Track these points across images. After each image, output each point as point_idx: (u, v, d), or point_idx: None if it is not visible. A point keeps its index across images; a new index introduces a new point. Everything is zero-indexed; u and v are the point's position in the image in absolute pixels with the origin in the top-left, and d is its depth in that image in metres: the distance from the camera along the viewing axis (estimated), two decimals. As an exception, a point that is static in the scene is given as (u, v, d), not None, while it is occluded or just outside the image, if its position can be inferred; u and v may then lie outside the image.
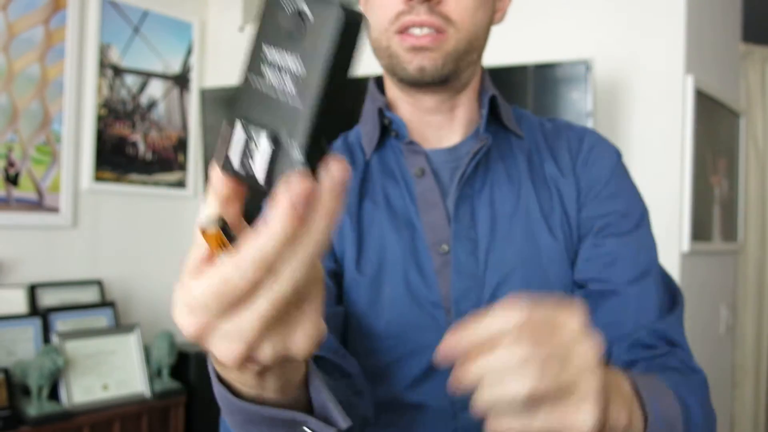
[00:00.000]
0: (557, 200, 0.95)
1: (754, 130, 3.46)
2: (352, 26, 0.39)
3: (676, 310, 0.91)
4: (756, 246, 3.42)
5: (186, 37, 3.11)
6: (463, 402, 0.90)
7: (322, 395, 0.59)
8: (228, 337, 0.42)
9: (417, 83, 0.92)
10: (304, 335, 0.44)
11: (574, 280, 0.93)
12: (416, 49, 0.88)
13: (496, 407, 0.54)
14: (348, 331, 0.97)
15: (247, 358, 0.44)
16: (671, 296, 0.93)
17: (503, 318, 0.55)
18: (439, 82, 0.92)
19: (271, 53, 0.40)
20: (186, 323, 0.43)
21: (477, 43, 0.92)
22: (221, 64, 3.19)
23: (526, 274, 0.91)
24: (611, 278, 0.90)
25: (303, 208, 0.39)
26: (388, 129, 0.99)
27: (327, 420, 0.59)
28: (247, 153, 0.40)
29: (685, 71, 2.22)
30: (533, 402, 0.53)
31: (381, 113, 0.99)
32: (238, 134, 0.40)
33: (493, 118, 0.99)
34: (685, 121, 2.23)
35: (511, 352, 0.53)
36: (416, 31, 0.88)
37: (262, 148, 0.40)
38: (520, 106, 1.08)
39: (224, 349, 0.43)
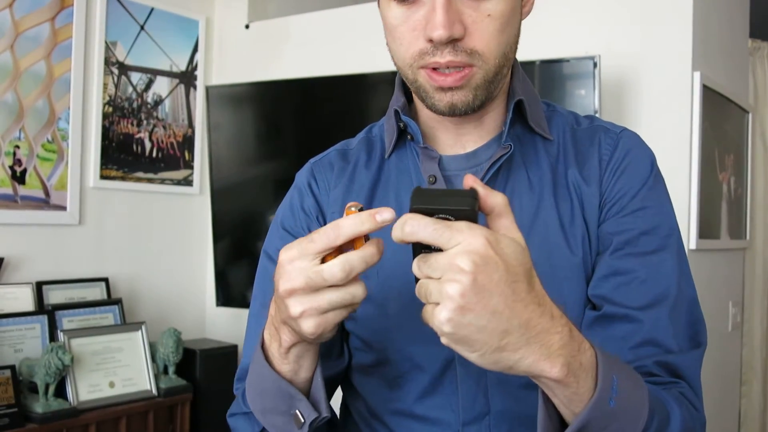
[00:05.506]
0: (578, 211, 0.91)
1: (762, 127, 3.44)
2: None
3: (698, 349, 0.87)
4: (764, 243, 3.40)
5: (192, 35, 3.11)
6: (468, 416, 0.89)
7: (320, 387, 0.82)
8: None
9: (448, 116, 0.90)
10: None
11: (588, 296, 0.89)
12: (444, 89, 0.86)
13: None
14: (356, 342, 0.97)
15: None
16: (693, 329, 0.88)
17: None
18: (471, 112, 0.89)
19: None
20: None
21: (507, 61, 0.89)
22: (227, 62, 3.19)
23: None
24: (624, 301, 0.86)
25: None
26: (405, 131, 0.97)
27: (315, 406, 0.81)
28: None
29: (692, 67, 2.21)
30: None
31: (398, 115, 0.96)
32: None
33: (519, 120, 0.95)
34: (692, 117, 2.22)
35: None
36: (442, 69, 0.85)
37: None
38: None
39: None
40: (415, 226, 0.62)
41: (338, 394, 1.07)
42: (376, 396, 0.95)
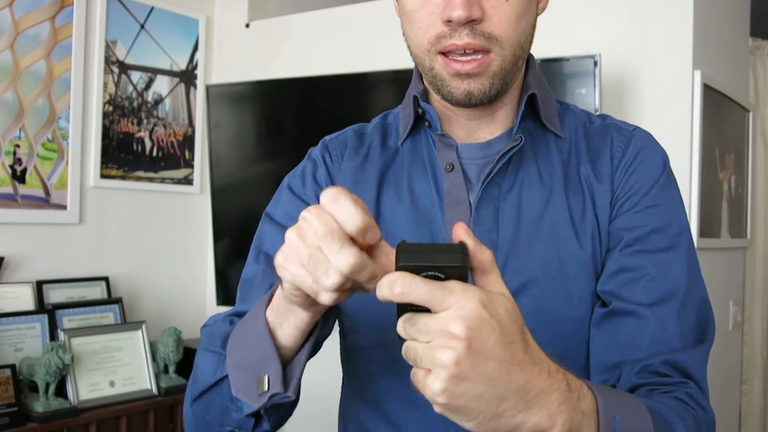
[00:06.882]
0: (590, 206, 0.91)
1: (762, 126, 3.44)
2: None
3: (702, 345, 0.88)
4: (764, 242, 3.40)
5: (192, 34, 3.11)
6: None
7: (299, 365, 0.78)
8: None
9: (463, 106, 0.90)
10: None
11: (596, 292, 0.89)
12: (462, 75, 0.86)
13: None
14: (357, 323, 0.96)
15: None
16: (701, 329, 0.88)
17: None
18: (487, 102, 0.89)
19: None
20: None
21: (523, 52, 0.89)
22: (227, 61, 3.18)
23: (546, 283, 0.88)
24: (632, 298, 0.86)
25: None
26: (422, 118, 0.97)
27: (286, 381, 0.76)
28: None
29: (692, 66, 2.21)
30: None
31: (416, 101, 0.97)
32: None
33: (532, 115, 0.96)
34: (692, 116, 2.22)
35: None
36: (460, 55, 0.85)
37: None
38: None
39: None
40: (405, 287, 0.58)
41: (337, 381, 1.07)
42: (373, 380, 0.95)
